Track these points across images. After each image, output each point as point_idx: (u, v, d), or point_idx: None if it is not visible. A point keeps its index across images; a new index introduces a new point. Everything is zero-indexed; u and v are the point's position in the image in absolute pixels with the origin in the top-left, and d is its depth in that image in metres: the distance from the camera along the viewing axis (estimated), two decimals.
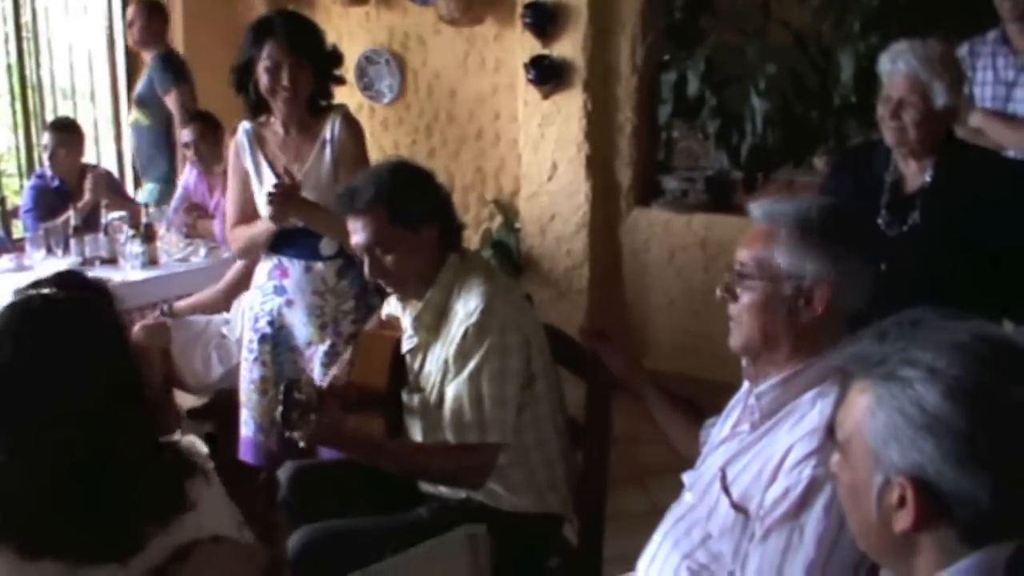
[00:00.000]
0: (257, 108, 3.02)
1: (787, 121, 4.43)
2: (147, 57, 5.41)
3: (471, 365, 2.26)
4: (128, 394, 1.55)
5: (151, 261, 4.13)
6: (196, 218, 4.66)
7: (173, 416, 3.43)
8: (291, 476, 2.52)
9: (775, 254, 1.74)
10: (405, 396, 2.46)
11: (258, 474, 3.10)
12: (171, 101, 5.24)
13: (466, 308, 2.29)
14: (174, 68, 5.30)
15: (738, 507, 1.71)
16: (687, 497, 1.89)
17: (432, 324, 2.38)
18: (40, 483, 1.47)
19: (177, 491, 1.55)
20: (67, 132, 4.90)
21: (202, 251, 4.32)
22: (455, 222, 2.44)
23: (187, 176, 4.87)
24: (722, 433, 1.91)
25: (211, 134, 4.65)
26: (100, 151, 5.98)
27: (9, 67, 5.74)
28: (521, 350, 2.29)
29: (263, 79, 2.90)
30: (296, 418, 2.16)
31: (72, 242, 4.25)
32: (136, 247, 4.10)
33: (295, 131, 3.01)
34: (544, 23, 4.89)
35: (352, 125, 3.04)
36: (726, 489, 1.75)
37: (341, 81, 3.10)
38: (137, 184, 5.70)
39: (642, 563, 1.89)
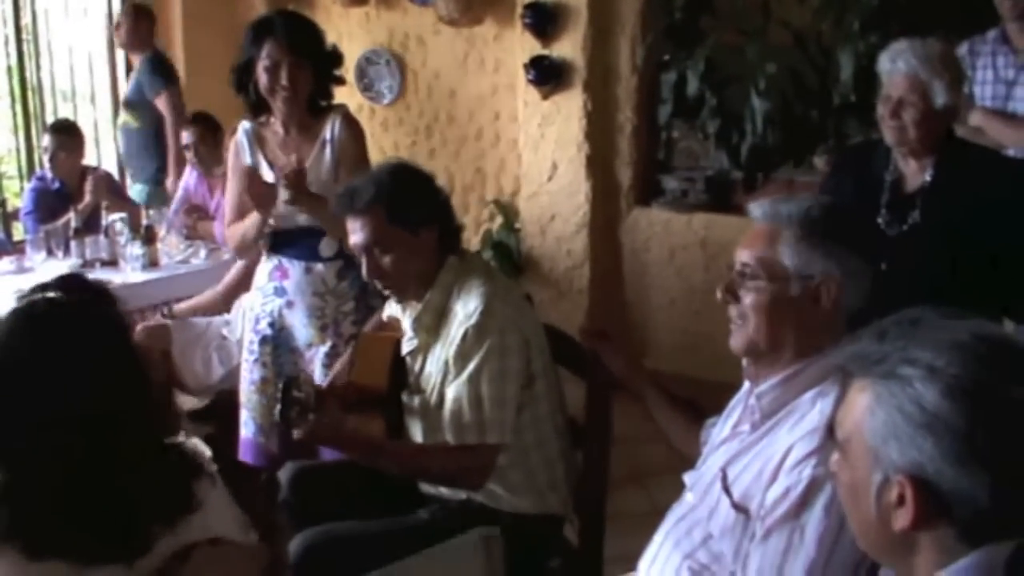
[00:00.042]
0: (257, 108, 3.03)
1: (787, 121, 4.43)
2: (135, 60, 5.42)
3: (471, 366, 2.26)
4: (134, 395, 1.56)
5: (151, 263, 4.14)
6: (196, 220, 4.66)
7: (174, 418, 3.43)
8: (292, 477, 2.52)
9: (779, 254, 1.74)
10: (405, 397, 2.46)
11: (259, 475, 3.10)
12: (162, 103, 5.25)
13: (465, 309, 2.29)
14: (164, 70, 5.31)
15: (739, 507, 1.71)
16: (688, 497, 1.89)
17: (432, 325, 2.37)
18: (46, 484, 1.47)
19: (184, 491, 1.56)
20: (67, 134, 4.91)
21: (202, 253, 4.32)
22: (454, 224, 2.44)
23: (187, 178, 4.88)
24: (723, 433, 1.91)
25: (211, 136, 4.66)
26: (100, 153, 5.99)
27: (9, 69, 5.75)
28: (520, 351, 2.29)
29: (262, 78, 2.90)
30: (294, 416, 2.16)
31: (72, 244, 4.25)
32: (136, 249, 4.10)
33: (295, 131, 3.01)
34: (544, 23, 4.89)
35: (352, 125, 3.04)
36: (727, 489, 1.75)
37: (341, 81, 3.10)
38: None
39: (643, 563, 1.89)
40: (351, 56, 5.41)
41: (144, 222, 4.25)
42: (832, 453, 1.28)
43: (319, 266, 3.02)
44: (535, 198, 5.16)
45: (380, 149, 5.48)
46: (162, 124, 5.30)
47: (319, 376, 2.98)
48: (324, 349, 3.02)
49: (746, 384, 1.88)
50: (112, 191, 4.87)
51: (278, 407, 2.15)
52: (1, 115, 6.30)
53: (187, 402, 3.72)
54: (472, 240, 5.28)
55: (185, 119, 5.26)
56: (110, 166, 5.81)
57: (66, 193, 4.80)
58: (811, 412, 1.66)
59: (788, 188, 4.48)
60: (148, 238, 4.15)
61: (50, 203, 4.76)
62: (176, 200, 4.84)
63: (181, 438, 1.68)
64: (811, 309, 1.73)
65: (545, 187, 5.10)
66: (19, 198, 5.44)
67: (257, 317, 3.10)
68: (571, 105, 4.95)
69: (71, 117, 5.55)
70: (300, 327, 3.05)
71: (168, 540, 1.51)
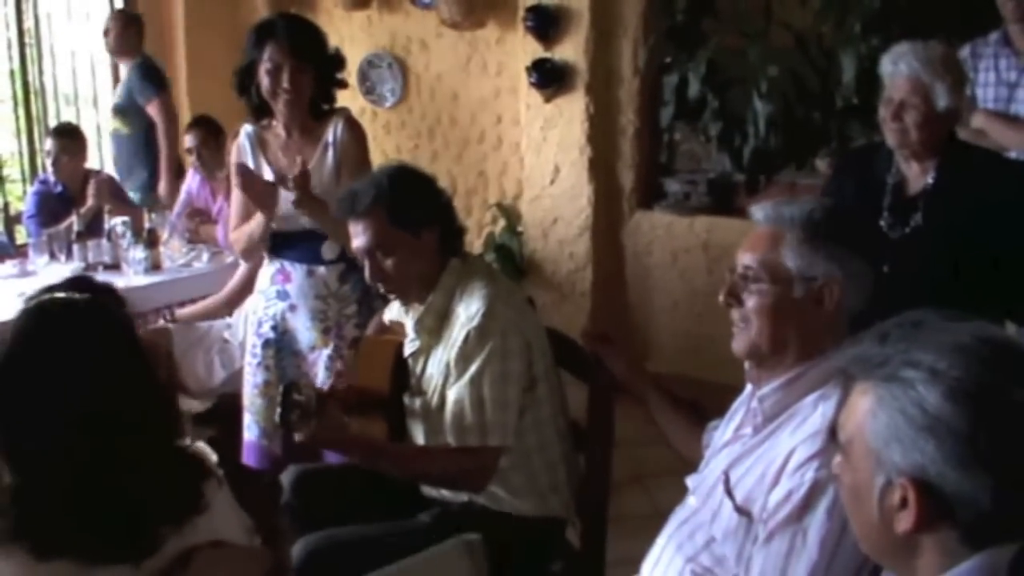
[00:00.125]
0: (259, 111, 3.03)
1: (789, 123, 4.43)
2: (123, 66, 5.41)
3: (472, 368, 2.26)
4: (144, 396, 1.56)
5: (154, 266, 4.14)
6: (199, 223, 4.67)
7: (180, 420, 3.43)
8: (294, 480, 2.52)
9: (782, 256, 1.74)
10: (407, 399, 2.46)
11: (261, 478, 3.10)
12: (154, 109, 5.24)
13: (468, 312, 2.29)
14: (154, 76, 5.31)
15: (741, 510, 1.71)
16: (691, 500, 1.89)
17: (434, 327, 2.37)
18: (56, 484, 1.48)
19: (193, 493, 1.56)
20: (70, 138, 4.91)
21: (205, 256, 4.32)
22: (456, 226, 2.44)
23: (189, 181, 4.88)
24: (725, 436, 1.91)
25: (213, 139, 4.66)
26: (103, 157, 5.99)
27: (12, 73, 5.76)
28: (522, 353, 2.29)
29: (264, 81, 2.91)
30: (295, 420, 2.16)
31: (75, 247, 4.25)
32: (139, 252, 4.10)
33: (297, 134, 3.02)
34: (546, 26, 4.90)
35: (354, 128, 3.04)
36: (729, 492, 1.75)
37: (343, 85, 3.10)
38: None
39: (646, 566, 1.89)
40: (353, 59, 5.41)
41: (146, 226, 4.25)
42: (834, 456, 1.28)
43: (321, 269, 3.02)
44: (537, 201, 5.16)
45: (382, 152, 5.49)
46: (153, 130, 5.29)
47: (322, 379, 2.98)
48: (327, 352, 3.02)
49: (748, 387, 1.88)
50: (114, 195, 4.86)
51: (278, 411, 2.16)
52: (4, 119, 6.30)
53: (189, 405, 3.72)
54: (474, 243, 5.28)
55: (177, 125, 5.28)
56: (112, 170, 5.81)
57: (68, 197, 4.80)
58: (813, 415, 1.66)
59: (790, 191, 4.48)
60: (150, 242, 4.15)
61: (52, 207, 4.76)
62: (179, 203, 4.85)
63: (186, 441, 1.69)
64: (813, 311, 1.73)
65: (547, 190, 5.10)
66: (22, 202, 5.44)
67: (260, 320, 3.10)
68: (573, 108, 4.95)
69: (73, 121, 5.56)
70: (303, 330, 3.05)
71: (175, 541, 1.52)
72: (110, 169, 5.72)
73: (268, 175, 3.00)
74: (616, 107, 4.99)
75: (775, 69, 4.38)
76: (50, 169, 4.88)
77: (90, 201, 4.68)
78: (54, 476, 1.47)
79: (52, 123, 5.60)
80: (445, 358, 2.33)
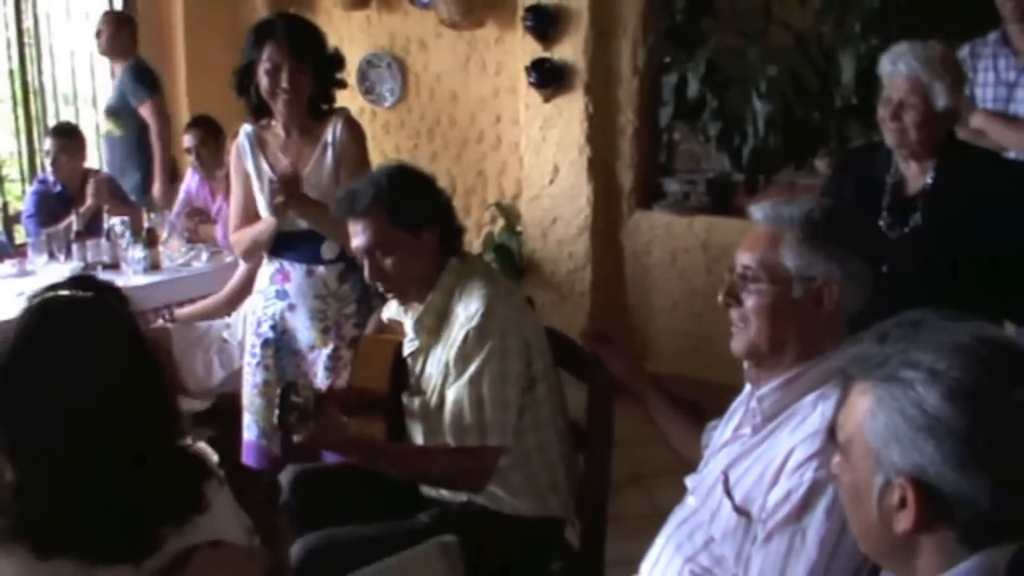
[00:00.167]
0: (258, 111, 3.03)
1: (788, 123, 4.43)
2: (116, 68, 5.40)
3: (472, 368, 2.26)
4: (148, 394, 1.56)
5: (153, 266, 4.14)
6: (198, 223, 4.67)
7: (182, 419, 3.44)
8: (293, 480, 2.52)
9: (781, 256, 1.74)
10: (406, 399, 2.46)
11: (260, 478, 3.10)
12: (147, 111, 5.23)
13: (467, 311, 2.29)
14: (147, 78, 5.30)
15: (740, 510, 1.71)
16: (690, 500, 1.89)
17: (433, 327, 2.37)
18: (58, 482, 1.47)
19: (194, 493, 1.56)
20: (69, 137, 4.91)
21: (204, 256, 4.32)
22: (455, 225, 2.44)
23: (189, 181, 4.88)
24: (724, 436, 1.91)
25: (212, 139, 4.66)
26: (102, 156, 5.99)
27: (11, 72, 5.76)
28: (521, 353, 2.29)
29: (263, 81, 2.90)
30: (293, 421, 2.16)
31: (74, 247, 4.25)
32: (138, 252, 4.10)
33: (296, 134, 3.01)
34: (545, 26, 4.90)
35: (354, 128, 3.04)
36: (728, 492, 1.75)
37: (342, 85, 3.10)
38: None
39: (645, 566, 1.89)
40: (352, 59, 5.41)
41: (145, 225, 4.25)
42: (833, 456, 1.28)
43: (321, 269, 3.02)
44: (536, 201, 5.16)
45: (381, 152, 5.49)
46: (145, 132, 5.28)
47: (321, 379, 2.98)
48: (326, 352, 3.02)
49: (747, 387, 1.88)
50: (114, 194, 4.86)
51: (277, 412, 2.16)
52: (3, 118, 6.31)
53: (188, 405, 3.72)
54: (474, 243, 5.28)
55: (170, 127, 5.27)
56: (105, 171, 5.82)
57: (68, 196, 4.80)
58: (812, 415, 1.66)
59: (789, 191, 4.48)
60: (150, 241, 4.15)
61: (51, 206, 4.76)
62: (178, 203, 4.85)
63: (187, 441, 1.69)
64: (813, 311, 1.73)
65: (546, 190, 5.10)
66: (21, 201, 5.44)
67: (259, 320, 3.10)
68: (572, 108, 4.95)
69: (73, 120, 5.55)
70: (302, 330, 3.05)
71: (175, 541, 1.52)
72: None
73: (268, 175, 3.00)
74: (615, 107, 4.99)
75: (774, 69, 4.38)
76: (49, 169, 4.88)
77: (89, 201, 4.68)
78: (56, 474, 1.47)
79: (51, 123, 5.60)
80: (444, 358, 2.33)
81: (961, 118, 2.82)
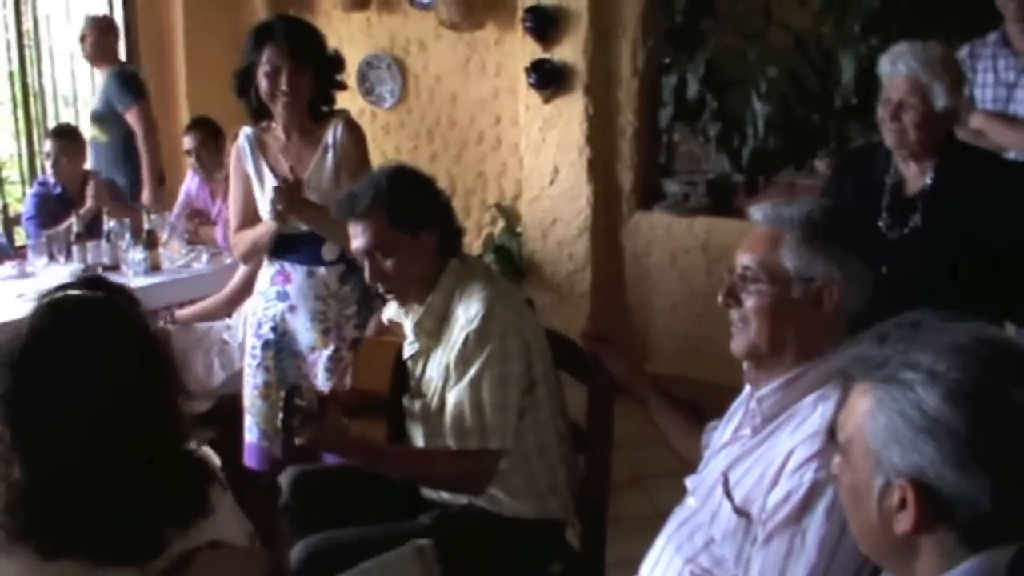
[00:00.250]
0: (259, 113, 3.03)
1: (788, 124, 4.43)
2: (101, 74, 5.39)
3: (472, 371, 2.25)
4: (157, 395, 1.57)
5: (153, 268, 4.14)
6: (198, 224, 4.67)
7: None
8: (293, 481, 2.52)
9: (781, 257, 1.74)
10: (406, 401, 2.46)
11: (261, 480, 3.10)
12: (133, 117, 5.21)
13: (467, 314, 2.29)
14: (133, 84, 5.28)
15: (740, 511, 1.71)
16: (690, 501, 1.89)
17: (433, 329, 2.37)
18: (66, 483, 1.47)
19: (200, 496, 1.56)
20: (69, 139, 4.91)
21: (204, 257, 4.32)
22: (455, 226, 2.44)
23: (189, 183, 4.88)
24: (724, 437, 1.91)
25: (212, 141, 4.66)
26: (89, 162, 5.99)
27: (11, 74, 5.76)
28: (522, 355, 2.29)
29: (263, 84, 2.90)
30: (297, 424, 2.16)
31: (74, 249, 4.25)
32: (138, 254, 4.10)
33: (296, 136, 3.01)
34: (545, 27, 4.90)
35: (354, 130, 3.04)
36: (728, 493, 1.74)
37: (342, 86, 3.10)
38: None
39: (645, 567, 1.89)
40: (352, 61, 5.41)
41: (146, 227, 4.25)
42: (833, 456, 1.28)
43: (321, 270, 3.02)
44: (536, 202, 5.16)
45: (381, 153, 5.48)
46: (131, 138, 5.26)
47: (322, 380, 2.98)
48: (327, 353, 3.02)
49: (747, 388, 1.88)
50: (114, 196, 4.86)
51: (280, 415, 2.16)
52: (3, 120, 6.30)
53: (189, 407, 3.71)
54: (473, 244, 5.29)
55: (156, 133, 5.26)
56: None
57: (68, 198, 4.80)
58: (812, 416, 1.66)
59: (789, 191, 4.48)
60: (150, 243, 4.15)
61: (52, 208, 4.76)
62: (178, 205, 4.85)
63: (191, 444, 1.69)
64: (812, 312, 1.73)
65: (546, 191, 5.10)
66: (21, 203, 5.44)
67: (259, 322, 3.10)
68: (572, 109, 4.95)
69: (72, 122, 5.55)
70: (303, 331, 3.05)
71: (180, 544, 1.52)
72: None
73: (268, 177, 3.00)
74: (615, 108, 4.99)
75: (774, 70, 4.39)
76: (49, 171, 4.88)
77: (89, 202, 4.68)
78: (65, 474, 1.47)
79: (51, 125, 5.59)
80: (444, 360, 2.33)
81: (960, 118, 2.82)
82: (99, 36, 5.30)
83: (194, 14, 6.02)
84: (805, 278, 1.73)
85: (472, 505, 2.37)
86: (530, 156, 5.15)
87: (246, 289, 3.55)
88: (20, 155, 5.83)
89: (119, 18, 5.94)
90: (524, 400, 2.31)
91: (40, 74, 5.82)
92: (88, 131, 5.45)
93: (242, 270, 3.69)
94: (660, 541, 1.89)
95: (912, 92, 2.56)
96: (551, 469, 2.40)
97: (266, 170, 3.02)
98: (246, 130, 3.08)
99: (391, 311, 2.57)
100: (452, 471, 2.31)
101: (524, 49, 5.04)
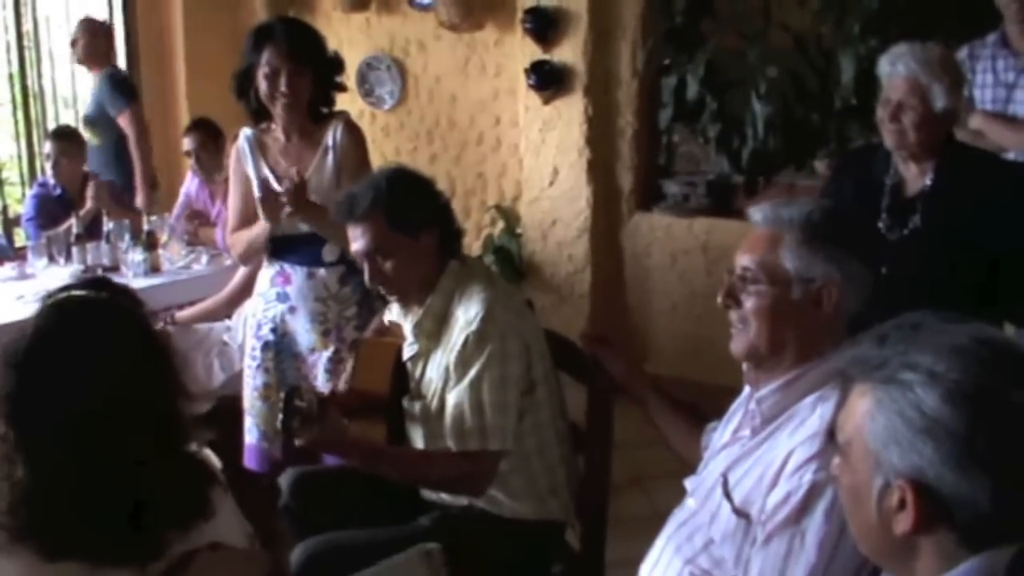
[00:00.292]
0: (258, 115, 3.02)
1: (788, 124, 4.43)
2: (93, 77, 5.39)
3: (472, 372, 2.25)
4: (158, 397, 1.56)
5: (153, 269, 4.14)
6: (198, 226, 4.67)
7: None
8: (293, 483, 2.52)
9: (780, 257, 1.74)
10: (406, 403, 2.46)
11: (260, 481, 3.10)
12: (125, 120, 5.20)
13: (467, 315, 2.29)
14: (125, 87, 5.28)
15: (740, 512, 1.71)
16: (689, 502, 1.89)
17: (433, 331, 2.37)
18: (68, 482, 1.47)
19: (201, 498, 1.56)
20: (69, 141, 4.91)
21: (204, 259, 4.32)
22: (455, 227, 2.44)
23: (188, 184, 4.88)
24: (723, 438, 1.91)
25: (212, 142, 4.67)
26: None
27: (11, 76, 5.77)
28: (521, 356, 2.29)
29: (262, 85, 2.90)
30: (297, 426, 2.16)
31: (74, 250, 4.25)
32: (138, 255, 4.10)
33: (296, 138, 3.01)
34: (544, 28, 4.90)
35: (354, 131, 3.04)
36: (728, 494, 1.75)
37: (342, 88, 3.10)
38: None
39: (644, 568, 1.89)
40: (352, 62, 5.41)
41: (145, 228, 4.25)
42: (833, 457, 1.28)
43: (321, 271, 3.02)
44: (536, 203, 5.16)
45: (381, 154, 5.49)
46: (123, 141, 5.26)
47: (322, 381, 2.98)
48: (327, 354, 3.02)
49: (746, 389, 1.88)
50: (114, 197, 4.87)
51: (280, 417, 2.16)
52: (3, 121, 6.31)
53: (189, 408, 3.71)
54: (473, 245, 5.29)
55: (149, 136, 5.26)
56: None
57: (67, 199, 4.80)
58: (811, 417, 1.66)
59: (789, 192, 4.48)
60: (150, 244, 4.16)
61: (51, 209, 4.76)
62: (178, 206, 4.85)
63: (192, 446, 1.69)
64: (812, 313, 1.73)
65: (546, 192, 5.10)
66: (21, 204, 5.44)
67: (259, 323, 3.10)
68: (572, 110, 4.95)
69: (72, 123, 5.55)
70: (302, 332, 3.05)
71: (180, 545, 1.52)
72: None
73: (269, 179, 3.00)
74: (615, 109, 4.99)
75: (774, 70, 4.39)
76: (49, 172, 4.88)
77: (89, 203, 4.68)
78: (67, 474, 1.47)
79: (51, 126, 5.59)
80: (444, 362, 2.33)
81: (960, 119, 2.82)
82: (90, 39, 5.29)
83: (194, 15, 6.02)
84: (805, 279, 1.73)
85: (472, 506, 2.37)
86: (530, 157, 5.15)
87: (246, 290, 3.55)
88: (20, 156, 5.83)
89: (119, 20, 5.94)
90: (524, 401, 2.31)
91: (40, 75, 5.82)
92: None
93: (242, 271, 3.69)
94: (660, 542, 1.89)
95: (911, 93, 2.56)
96: (551, 470, 2.40)
97: (266, 171, 3.02)
98: (246, 131, 3.08)
99: (392, 313, 2.57)
100: (452, 472, 2.31)
101: (524, 50, 5.04)
